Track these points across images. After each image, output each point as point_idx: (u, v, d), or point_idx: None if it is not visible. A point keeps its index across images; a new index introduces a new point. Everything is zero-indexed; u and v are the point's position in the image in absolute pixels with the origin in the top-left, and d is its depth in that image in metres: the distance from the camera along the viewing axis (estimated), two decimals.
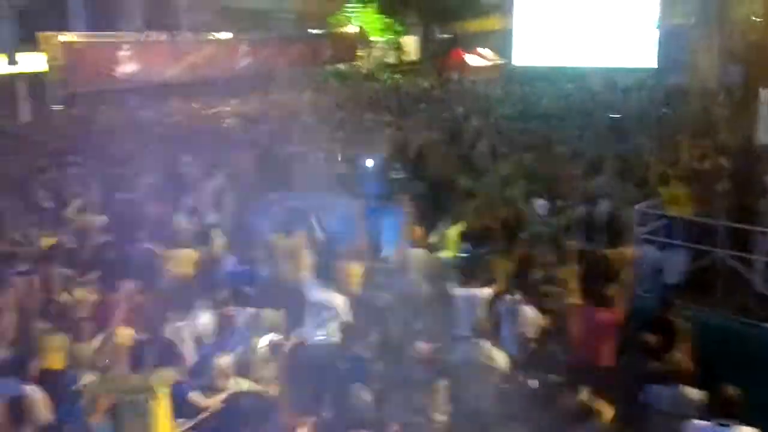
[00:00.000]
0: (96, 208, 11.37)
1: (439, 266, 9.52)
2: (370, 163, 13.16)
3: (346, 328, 7.54)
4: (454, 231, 10.46)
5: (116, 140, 17.04)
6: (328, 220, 10.25)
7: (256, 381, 7.25)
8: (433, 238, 10.30)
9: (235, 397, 6.49)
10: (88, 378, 6.61)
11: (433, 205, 11.34)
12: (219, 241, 10.09)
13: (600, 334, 7.55)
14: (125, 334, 7.37)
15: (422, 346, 7.16)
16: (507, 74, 35.17)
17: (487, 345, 7.21)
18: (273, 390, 6.93)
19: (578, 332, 7.48)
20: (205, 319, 8.03)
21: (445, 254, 10.18)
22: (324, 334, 7.90)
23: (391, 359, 7.63)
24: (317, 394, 7.33)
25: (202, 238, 10.13)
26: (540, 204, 10.93)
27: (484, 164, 14.15)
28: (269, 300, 8.44)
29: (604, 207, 11.19)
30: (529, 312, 7.90)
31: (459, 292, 8.41)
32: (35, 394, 6.27)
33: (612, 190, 11.83)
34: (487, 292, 8.23)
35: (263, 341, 7.53)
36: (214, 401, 6.73)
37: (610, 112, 20.35)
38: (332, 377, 7.08)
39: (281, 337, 7.71)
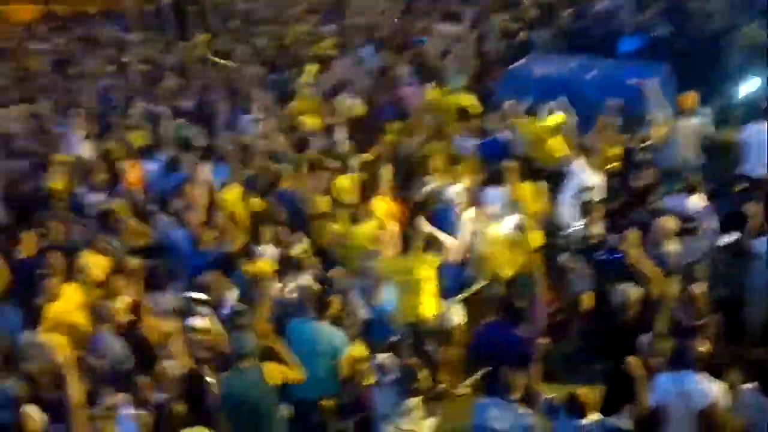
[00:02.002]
0: None
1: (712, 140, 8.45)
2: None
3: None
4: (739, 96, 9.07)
5: None
6: (583, 88, 9.46)
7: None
8: (705, 108, 8.96)
9: None
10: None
11: (706, 64, 9.90)
12: None
13: None
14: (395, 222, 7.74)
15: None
16: None
17: None
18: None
19: None
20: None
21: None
22: (581, 222, 7.43)
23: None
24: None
25: None
26: None
27: None
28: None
29: None
30: None
31: None
32: None
33: None
34: None
35: (510, 222, 7.32)
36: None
37: None
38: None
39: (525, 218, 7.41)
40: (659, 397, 5.09)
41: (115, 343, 6.11)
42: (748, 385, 5.06)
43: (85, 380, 5.53)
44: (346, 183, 8.38)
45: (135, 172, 8.94)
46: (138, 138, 10.13)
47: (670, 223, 6.62)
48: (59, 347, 5.81)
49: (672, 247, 6.51)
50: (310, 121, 10.14)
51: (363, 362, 6.04)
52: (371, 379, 5.75)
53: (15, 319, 6.49)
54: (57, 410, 5.32)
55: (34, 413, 5.28)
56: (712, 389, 4.95)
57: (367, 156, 9.19)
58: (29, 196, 8.82)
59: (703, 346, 5.14)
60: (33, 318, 6.28)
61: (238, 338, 5.68)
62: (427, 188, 8.18)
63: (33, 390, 5.51)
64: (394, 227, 7.44)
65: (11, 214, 8.35)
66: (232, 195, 8.25)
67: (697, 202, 7.26)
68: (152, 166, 9.29)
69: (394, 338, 6.50)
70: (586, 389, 5.10)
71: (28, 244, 7.37)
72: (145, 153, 9.67)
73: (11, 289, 6.95)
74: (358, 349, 6.18)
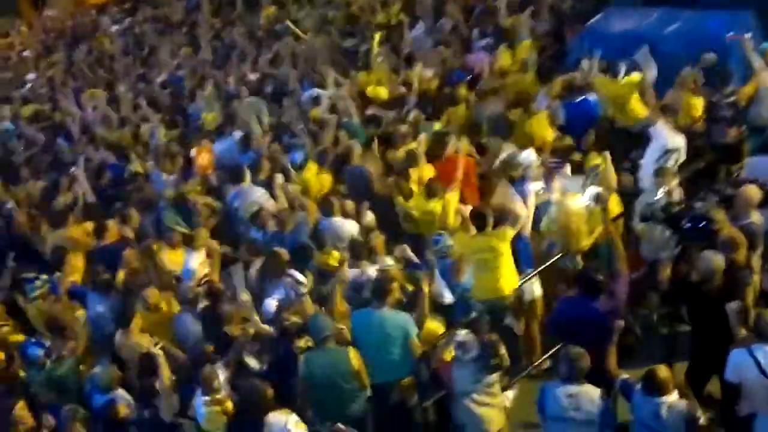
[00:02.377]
0: None
1: None
2: None
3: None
4: None
5: None
6: (664, 42, 8.97)
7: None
8: None
9: None
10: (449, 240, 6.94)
11: None
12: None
13: None
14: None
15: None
16: None
17: None
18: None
19: None
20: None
21: None
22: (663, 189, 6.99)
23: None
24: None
25: None
26: None
27: None
28: (602, 145, 7.74)
29: None
30: None
31: None
32: None
33: None
34: None
35: (588, 194, 7.04)
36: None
37: None
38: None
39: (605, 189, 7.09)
40: (735, 371, 4.98)
41: (195, 325, 6.29)
42: None
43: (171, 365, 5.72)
44: (416, 155, 8.22)
45: (206, 156, 9.06)
46: (210, 119, 10.23)
47: (754, 191, 6.25)
48: (148, 337, 6.02)
49: (756, 215, 6.15)
50: (380, 92, 10.01)
51: (440, 340, 6.02)
52: (450, 357, 5.72)
53: (99, 305, 6.77)
54: (146, 395, 5.54)
55: (124, 398, 5.50)
56: None
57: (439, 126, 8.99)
58: (111, 184, 9.06)
59: None
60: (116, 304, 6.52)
61: (317, 320, 5.78)
62: (504, 156, 7.98)
63: (123, 375, 5.74)
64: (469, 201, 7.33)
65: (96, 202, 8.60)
66: (311, 174, 8.19)
67: None
68: (224, 146, 9.35)
69: (473, 315, 6.46)
70: (664, 366, 4.94)
71: (111, 232, 7.61)
72: (217, 133, 9.77)
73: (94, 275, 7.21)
74: (435, 327, 6.15)
